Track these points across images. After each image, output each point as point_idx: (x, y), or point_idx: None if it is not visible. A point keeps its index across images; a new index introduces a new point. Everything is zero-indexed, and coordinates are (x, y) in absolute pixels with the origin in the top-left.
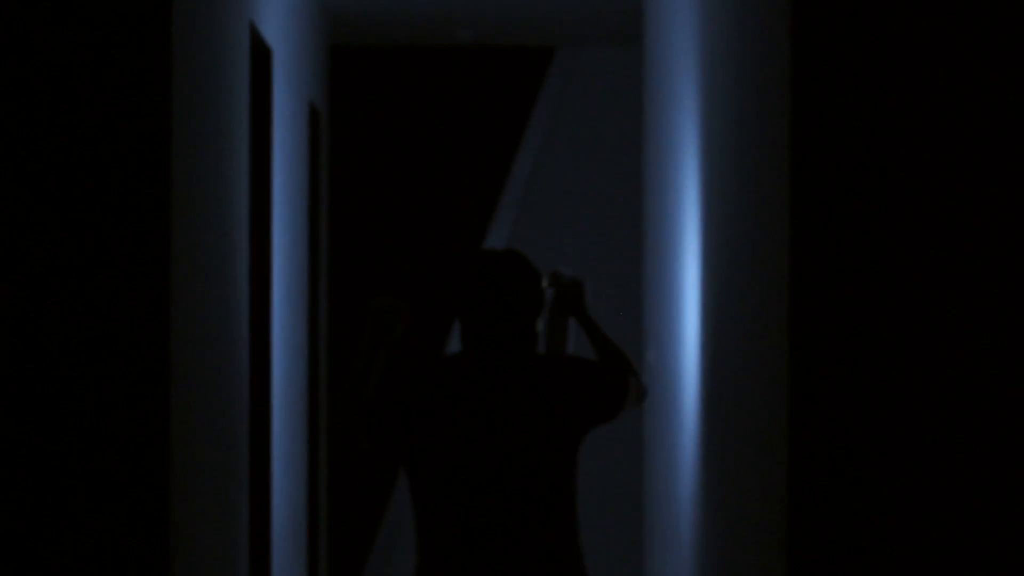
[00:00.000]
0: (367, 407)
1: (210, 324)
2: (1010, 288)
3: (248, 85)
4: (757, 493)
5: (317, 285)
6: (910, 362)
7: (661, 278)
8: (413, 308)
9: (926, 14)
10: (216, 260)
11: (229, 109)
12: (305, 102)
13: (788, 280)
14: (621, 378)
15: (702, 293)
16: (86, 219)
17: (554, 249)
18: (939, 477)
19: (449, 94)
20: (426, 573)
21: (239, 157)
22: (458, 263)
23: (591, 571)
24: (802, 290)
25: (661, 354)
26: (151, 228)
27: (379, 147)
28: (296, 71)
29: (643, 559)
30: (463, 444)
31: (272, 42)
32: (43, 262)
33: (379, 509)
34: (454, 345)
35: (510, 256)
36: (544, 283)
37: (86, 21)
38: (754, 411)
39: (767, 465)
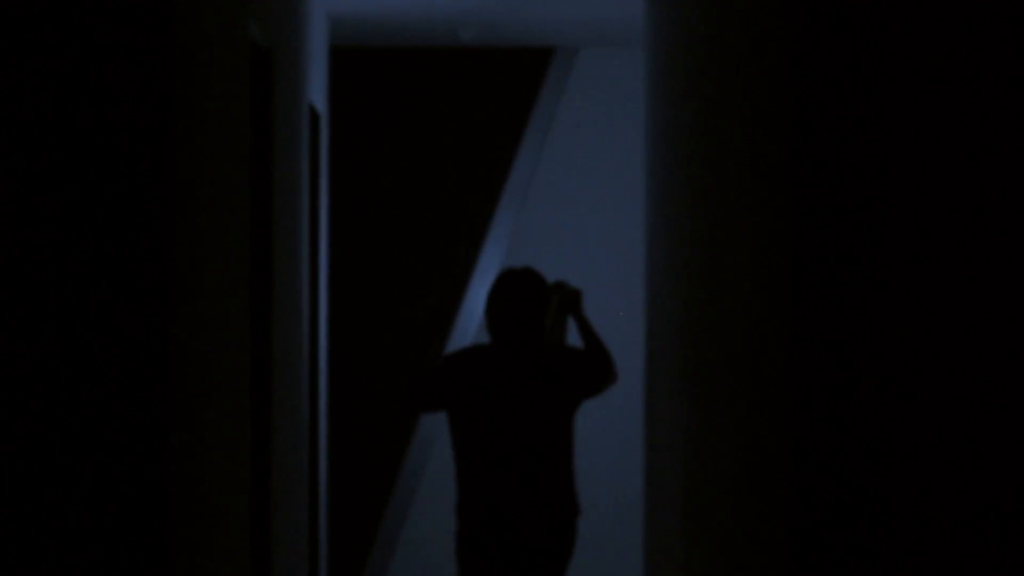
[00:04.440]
0: (429, 382)
1: (210, 324)
2: (1010, 288)
3: (248, 86)
4: (757, 486)
5: (317, 285)
6: (910, 362)
7: (660, 275)
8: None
9: (923, 16)
10: (216, 260)
11: (229, 110)
12: (305, 103)
13: (789, 280)
14: (604, 366)
15: (701, 291)
16: (86, 220)
17: (554, 249)
18: (939, 477)
19: (449, 95)
20: (466, 501)
21: (239, 158)
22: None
23: (583, 505)
24: (803, 289)
25: (660, 347)
26: (151, 229)
27: (379, 148)
28: (296, 72)
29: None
30: (494, 406)
31: (272, 43)
32: (44, 263)
33: (379, 509)
34: (454, 339)
35: (527, 274)
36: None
37: (86, 22)
38: (753, 408)
39: (766, 460)
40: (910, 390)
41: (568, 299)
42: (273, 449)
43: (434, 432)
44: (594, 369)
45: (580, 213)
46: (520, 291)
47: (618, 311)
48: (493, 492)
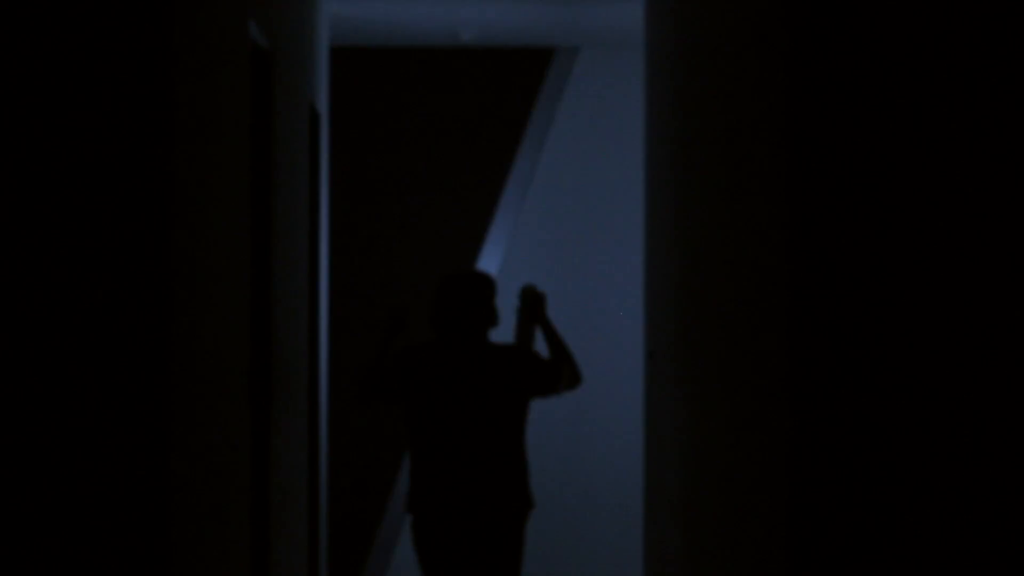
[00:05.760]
0: (383, 375)
1: (210, 324)
2: (1010, 288)
3: (249, 87)
4: (757, 485)
5: (317, 285)
6: (909, 362)
7: (660, 275)
8: (410, 309)
9: (922, 17)
10: (217, 261)
11: (230, 110)
12: (305, 104)
13: (788, 279)
14: (556, 369)
15: (700, 291)
16: (87, 220)
17: (554, 249)
18: (939, 477)
19: (449, 95)
20: (417, 489)
21: (239, 158)
22: (438, 281)
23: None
24: (802, 288)
25: (660, 347)
26: (152, 229)
27: (379, 148)
28: (296, 73)
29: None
30: (438, 401)
31: (272, 43)
32: (44, 263)
33: (379, 508)
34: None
35: (471, 276)
36: (516, 296)
37: (87, 23)
38: (753, 407)
39: (767, 459)
40: (910, 390)
41: (530, 302)
42: (273, 449)
43: None
44: (543, 372)
45: (580, 213)
46: (462, 293)
47: (618, 311)
48: (440, 484)
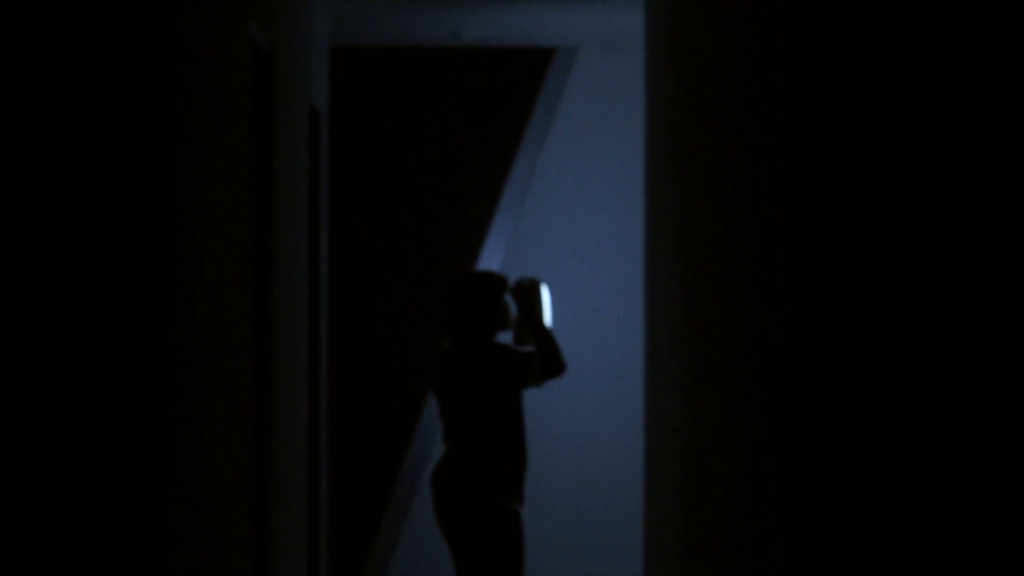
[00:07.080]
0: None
1: (210, 322)
2: (1010, 288)
3: (248, 87)
4: (757, 485)
5: (317, 286)
6: (909, 361)
7: (660, 276)
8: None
9: (922, 17)
10: (216, 260)
11: (229, 111)
12: (305, 103)
13: (788, 279)
14: (526, 361)
15: (701, 291)
16: (87, 220)
17: (554, 249)
18: (939, 477)
19: (449, 94)
20: (446, 454)
21: (239, 158)
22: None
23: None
24: (802, 288)
25: (660, 347)
26: (152, 229)
27: (379, 148)
28: (296, 72)
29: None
30: (445, 401)
31: (272, 44)
32: (44, 263)
33: (379, 509)
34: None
35: (472, 277)
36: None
37: (87, 23)
38: (753, 407)
39: (767, 459)
40: (910, 389)
41: (522, 296)
42: (273, 449)
43: (434, 431)
44: (514, 365)
45: (580, 213)
46: (462, 295)
47: (618, 311)
48: (465, 447)
